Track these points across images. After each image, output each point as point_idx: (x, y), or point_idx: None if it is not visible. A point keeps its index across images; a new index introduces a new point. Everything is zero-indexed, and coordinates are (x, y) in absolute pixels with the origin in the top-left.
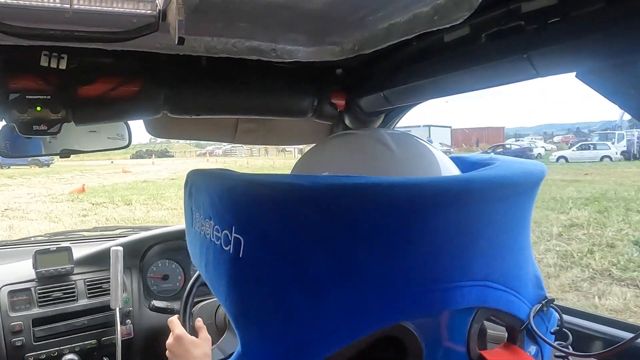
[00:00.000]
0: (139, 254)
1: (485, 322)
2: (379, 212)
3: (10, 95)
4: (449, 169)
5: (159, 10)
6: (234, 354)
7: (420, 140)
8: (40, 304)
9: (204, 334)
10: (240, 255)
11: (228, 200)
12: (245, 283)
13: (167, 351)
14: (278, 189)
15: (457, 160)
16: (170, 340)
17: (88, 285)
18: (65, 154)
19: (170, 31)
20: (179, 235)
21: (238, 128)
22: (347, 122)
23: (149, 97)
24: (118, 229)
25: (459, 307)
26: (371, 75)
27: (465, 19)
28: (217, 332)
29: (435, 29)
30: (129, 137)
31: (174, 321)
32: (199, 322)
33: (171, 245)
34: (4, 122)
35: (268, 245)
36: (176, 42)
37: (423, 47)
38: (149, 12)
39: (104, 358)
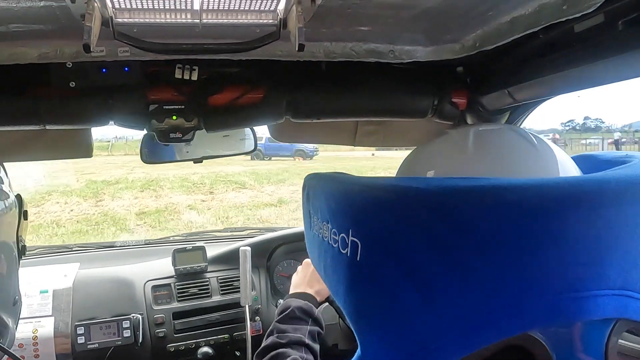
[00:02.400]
0: (266, 254)
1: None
2: (501, 215)
3: (150, 106)
4: (568, 169)
5: (280, 19)
6: (354, 356)
7: (516, 138)
8: (179, 299)
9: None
10: (358, 259)
11: (344, 204)
12: (362, 286)
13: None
14: (393, 192)
15: (588, 159)
16: (300, 266)
17: (220, 283)
18: (198, 159)
19: (291, 39)
20: (303, 237)
21: (358, 131)
22: (469, 121)
23: (272, 103)
24: (246, 229)
25: (594, 318)
26: (494, 72)
27: (598, 6)
28: (341, 333)
29: (564, 19)
30: (255, 141)
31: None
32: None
33: (296, 247)
34: (145, 131)
35: (384, 249)
36: (296, 49)
37: (550, 39)
38: (270, 21)
39: (235, 352)
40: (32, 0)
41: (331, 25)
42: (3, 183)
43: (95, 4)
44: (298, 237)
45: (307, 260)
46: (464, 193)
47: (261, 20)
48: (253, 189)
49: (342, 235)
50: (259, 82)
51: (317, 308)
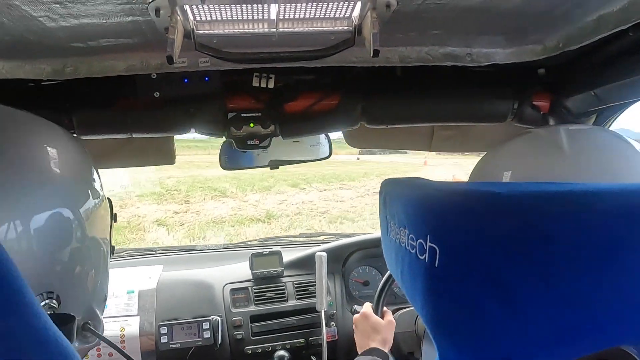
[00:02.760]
0: (341, 260)
1: None
2: (590, 223)
3: (228, 115)
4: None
5: (355, 25)
6: None
7: (612, 139)
8: (256, 302)
9: (389, 317)
10: (436, 265)
11: (422, 209)
12: (441, 293)
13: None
14: (473, 197)
15: None
16: (357, 316)
17: (296, 288)
18: (275, 165)
19: (366, 45)
20: (378, 243)
21: (434, 136)
22: (552, 124)
23: (347, 110)
24: (322, 235)
25: None
26: (579, 73)
27: None
28: (416, 340)
29: None
30: (330, 148)
31: (367, 303)
32: (389, 315)
33: (371, 253)
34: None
35: (464, 255)
36: (371, 55)
37: None
38: (345, 28)
39: (311, 357)
40: (120, 15)
41: (406, 30)
42: (98, 184)
43: (178, 18)
44: (373, 244)
45: (357, 317)
46: (548, 199)
47: (336, 28)
48: (235, 197)
49: (419, 240)
50: (333, 88)
51: (389, 357)
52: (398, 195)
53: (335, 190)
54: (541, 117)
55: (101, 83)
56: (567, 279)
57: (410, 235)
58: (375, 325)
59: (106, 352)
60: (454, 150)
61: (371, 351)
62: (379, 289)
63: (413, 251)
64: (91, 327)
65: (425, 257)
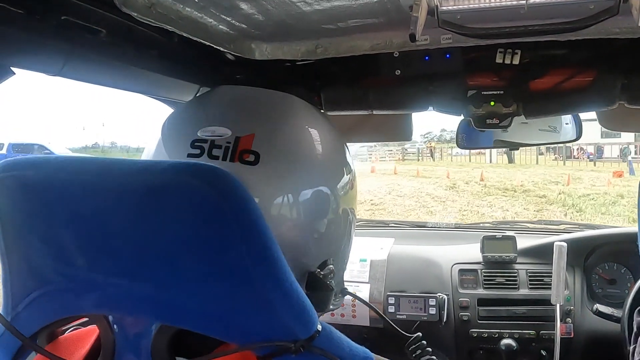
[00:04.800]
0: (584, 253)
1: None
2: None
3: (468, 92)
4: None
5: None
6: None
7: None
8: (485, 286)
9: None
10: None
11: None
12: None
13: None
14: None
15: None
16: None
17: (530, 276)
18: (514, 146)
19: (633, 13)
20: (630, 238)
21: None
22: None
23: (603, 87)
24: (562, 224)
25: None
26: None
27: None
28: None
29: None
30: (579, 129)
31: None
32: None
33: (621, 248)
34: (461, 117)
35: None
36: (638, 24)
37: None
38: None
39: (541, 351)
40: None
41: None
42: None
43: None
44: (625, 239)
45: None
46: None
47: None
48: None
49: None
50: (588, 64)
51: None
52: None
53: None
54: None
55: (347, 62)
56: None
57: None
58: None
59: (339, 312)
60: None
61: None
62: (627, 305)
63: None
64: (349, 292)
65: None
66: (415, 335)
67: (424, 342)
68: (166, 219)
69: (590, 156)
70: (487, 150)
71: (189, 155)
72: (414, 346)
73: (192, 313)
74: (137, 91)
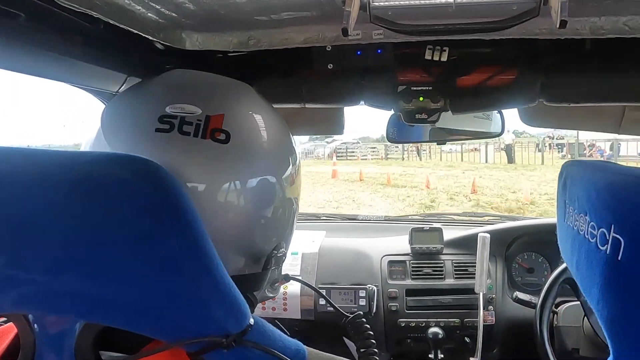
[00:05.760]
0: (505, 243)
1: None
2: None
3: (398, 87)
4: None
5: None
6: None
7: None
8: (413, 277)
9: None
10: (619, 258)
11: (607, 196)
12: (622, 288)
13: None
14: None
15: None
16: None
17: (455, 266)
18: (443, 140)
19: (552, 15)
20: (548, 229)
21: (625, 116)
22: None
23: (525, 85)
24: (487, 215)
25: None
26: None
27: None
28: (583, 337)
29: None
30: (502, 125)
31: None
32: None
33: (539, 238)
34: (392, 112)
35: None
36: (557, 26)
37: None
38: None
39: (465, 338)
40: None
41: None
42: (295, 146)
43: None
44: (543, 229)
45: None
46: None
47: None
48: None
49: (601, 230)
50: (512, 62)
51: None
52: (581, 179)
53: None
54: None
55: (280, 54)
56: None
57: (591, 223)
58: None
59: (270, 306)
60: None
61: None
62: (543, 294)
63: (593, 240)
64: (293, 276)
65: (606, 249)
66: (357, 313)
67: (364, 319)
68: (93, 212)
69: (605, 154)
70: (482, 147)
71: (158, 130)
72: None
73: (119, 310)
74: (60, 80)
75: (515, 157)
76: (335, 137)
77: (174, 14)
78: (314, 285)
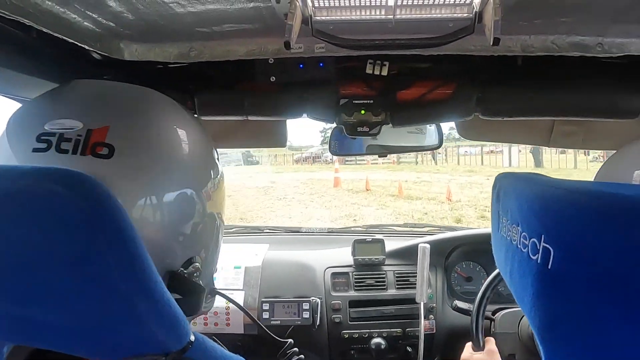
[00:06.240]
0: (445, 253)
1: None
2: None
3: (340, 101)
4: None
5: (475, 12)
6: None
7: None
8: (356, 288)
9: (490, 346)
10: (549, 267)
11: (538, 207)
12: (553, 296)
13: None
14: (596, 198)
15: None
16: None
17: (397, 277)
18: (383, 153)
19: (486, 32)
20: (485, 239)
21: (554, 130)
22: None
23: (462, 100)
24: (427, 226)
25: None
26: None
27: None
28: (519, 343)
29: None
30: (440, 138)
31: (468, 344)
32: (491, 344)
33: (476, 248)
34: (334, 125)
35: (583, 259)
36: (491, 43)
37: None
38: (465, 15)
39: (407, 348)
40: (243, 2)
41: (531, 18)
42: (219, 160)
43: (297, 4)
44: (480, 239)
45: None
46: None
47: (455, 14)
48: None
49: (532, 240)
50: (449, 77)
51: None
52: (513, 190)
53: None
54: None
55: (223, 66)
56: None
57: (523, 233)
58: None
59: (212, 321)
60: (575, 146)
61: None
62: (477, 300)
63: (525, 250)
64: (219, 291)
65: (537, 258)
66: (288, 341)
67: (296, 349)
68: (24, 229)
69: None
70: (505, 150)
71: (35, 150)
72: (288, 352)
73: (52, 332)
74: None
75: (544, 160)
76: None
77: (111, 24)
78: (257, 299)
